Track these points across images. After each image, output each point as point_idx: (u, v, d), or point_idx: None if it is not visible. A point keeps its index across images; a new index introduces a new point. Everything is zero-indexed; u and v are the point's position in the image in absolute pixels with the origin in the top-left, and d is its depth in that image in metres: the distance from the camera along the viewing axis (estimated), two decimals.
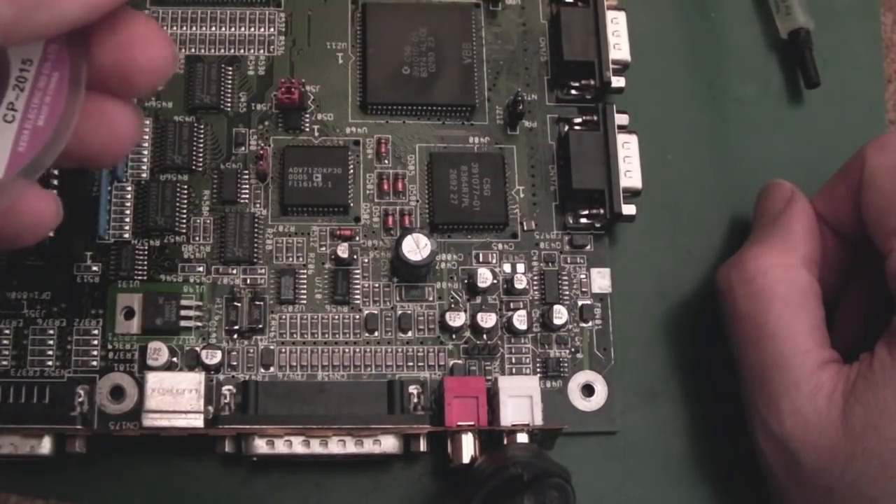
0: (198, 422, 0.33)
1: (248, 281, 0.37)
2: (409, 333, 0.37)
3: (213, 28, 0.39)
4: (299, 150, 0.38)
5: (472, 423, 0.34)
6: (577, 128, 0.39)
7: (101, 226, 0.37)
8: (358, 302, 0.37)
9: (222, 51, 0.39)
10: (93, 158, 0.27)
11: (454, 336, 0.37)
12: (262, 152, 0.38)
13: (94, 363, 0.35)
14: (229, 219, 0.37)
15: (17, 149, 0.25)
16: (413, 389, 0.36)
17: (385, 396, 0.35)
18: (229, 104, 0.39)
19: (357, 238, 0.37)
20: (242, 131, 0.39)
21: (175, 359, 0.35)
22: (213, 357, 0.35)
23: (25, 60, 0.25)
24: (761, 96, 0.42)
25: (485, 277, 0.37)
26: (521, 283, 0.37)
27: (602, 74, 0.38)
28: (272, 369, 0.36)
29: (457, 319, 0.37)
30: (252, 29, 0.40)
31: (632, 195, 0.37)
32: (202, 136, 0.38)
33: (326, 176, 0.38)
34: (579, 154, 0.38)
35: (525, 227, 0.38)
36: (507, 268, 0.38)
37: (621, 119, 0.38)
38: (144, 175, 0.37)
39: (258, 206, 0.38)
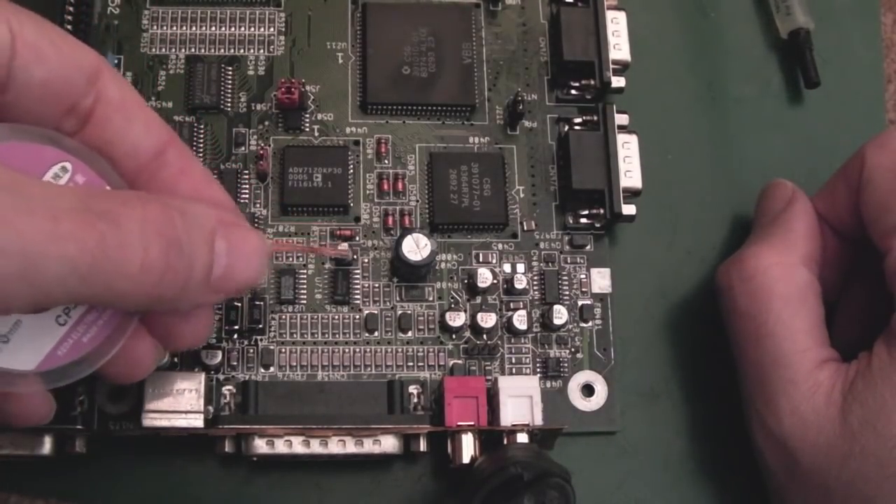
0: (198, 422, 0.33)
1: None
2: (409, 333, 0.37)
3: (213, 28, 0.40)
4: (299, 150, 0.38)
5: (472, 423, 0.34)
6: (577, 128, 0.39)
7: None
8: (358, 302, 0.37)
9: (222, 51, 0.39)
10: (104, 375, 0.28)
11: (454, 336, 0.37)
12: (262, 152, 0.38)
13: None
14: None
15: (55, 351, 0.26)
16: (413, 389, 0.36)
17: (385, 396, 0.35)
18: (229, 104, 0.39)
19: (357, 238, 0.37)
20: (242, 131, 0.39)
21: (175, 359, 0.35)
22: (213, 357, 0.35)
23: None
24: (761, 96, 0.42)
25: (485, 277, 0.37)
26: (521, 283, 0.37)
27: (602, 74, 0.38)
28: (272, 369, 0.36)
29: (457, 319, 0.37)
30: (252, 29, 0.40)
31: (632, 195, 0.37)
32: (202, 136, 0.38)
33: (326, 176, 0.38)
34: (579, 154, 0.38)
35: (525, 227, 0.38)
36: (507, 268, 0.38)
37: (621, 119, 0.38)
38: None
39: (258, 206, 0.38)
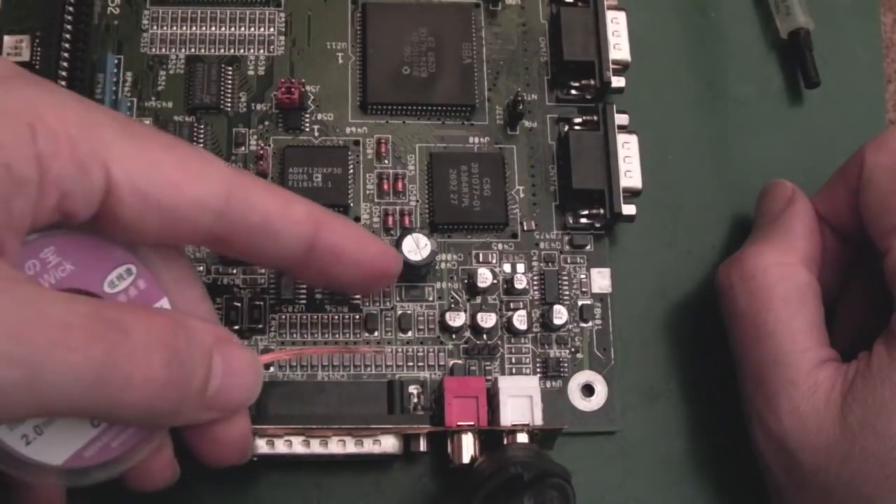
0: None
1: (248, 281, 0.37)
2: (409, 333, 0.37)
3: (213, 28, 0.40)
4: (299, 150, 0.38)
5: (472, 423, 0.34)
6: (577, 128, 0.39)
7: None
8: (358, 302, 0.37)
9: (222, 51, 0.39)
10: (121, 479, 0.28)
11: (454, 336, 0.37)
12: (261, 152, 0.38)
13: None
14: None
15: (83, 452, 0.26)
16: (413, 389, 0.36)
17: (385, 396, 0.35)
18: (229, 104, 0.39)
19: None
20: (242, 131, 0.39)
21: None
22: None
23: None
24: (761, 96, 0.42)
25: (485, 277, 0.37)
26: (521, 283, 0.37)
27: (602, 74, 0.38)
28: (272, 369, 0.36)
29: (457, 319, 0.37)
30: (252, 29, 0.40)
31: (632, 195, 0.37)
32: (202, 136, 0.38)
33: (326, 176, 0.38)
34: (579, 154, 0.38)
35: (525, 227, 0.38)
36: (507, 268, 0.38)
37: (621, 119, 0.38)
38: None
39: None
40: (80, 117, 0.25)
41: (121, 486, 0.28)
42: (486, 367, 0.37)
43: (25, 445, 0.25)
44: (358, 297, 0.37)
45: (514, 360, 0.37)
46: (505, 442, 0.34)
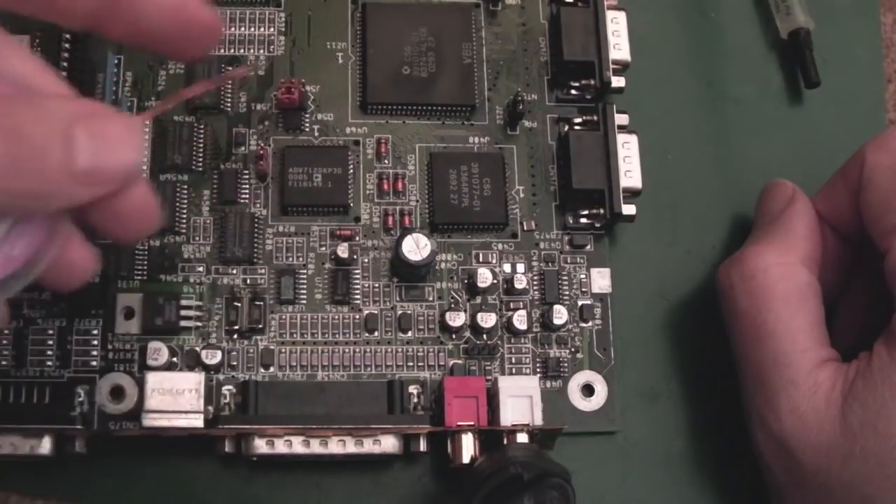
0: (198, 422, 0.33)
1: (248, 281, 0.37)
2: (409, 333, 0.37)
3: None
4: (299, 150, 0.38)
5: (472, 423, 0.34)
6: (577, 128, 0.39)
7: None
8: (358, 302, 0.37)
9: (222, 51, 0.39)
10: (44, 284, 0.28)
11: (454, 336, 0.37)
12: (262, 152, 0.38)
13: (94, 363, 0.35)
14: (229, 219, 0.37)
15: None
16: (413, 389, 0.36)
17: (385, 396, 0.35)
18: (229, 104, 0.39)
19: (357, 238, 0.37)
20: (242, 131, 0.39)
21: (175, 359, 0.35)
22: (213, 357, 0.35)
23: None
24: (761, 96, 0.42)
25: (485, 277, 0.37)
26: (521, 283, 0.37)
27: (602, 74, 0.38)
28: (272, 369, 0.36)
29: (457, 319, 0.37)
30: (252, 29, 0.40)
31: (632, 195, 0.37)
32: (202, 136, 0.38)
33: (326, 176, 0.38)
34: (579, 154, 0.38)
35: (525, 227, 0.38)
36: (507, 268, 0.38)
37: (621, 119, 0.38)
38: (144, 175, 0.37)
39: (258, 206, 0.38)
40: None
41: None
42: (486, 367, 0.37)
43: None
44: (357, 297, 0.37)
45: (514, 360, 0.37)
46: (505, 442, 0.34)
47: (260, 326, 0.36)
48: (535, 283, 0.38)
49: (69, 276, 0.29)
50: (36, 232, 0.26)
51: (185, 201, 0.37)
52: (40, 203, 0.25)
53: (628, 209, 0.37)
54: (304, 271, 0.37)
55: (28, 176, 0.24)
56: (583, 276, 0.38)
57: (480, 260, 0.38)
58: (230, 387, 0.35)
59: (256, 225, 0.37)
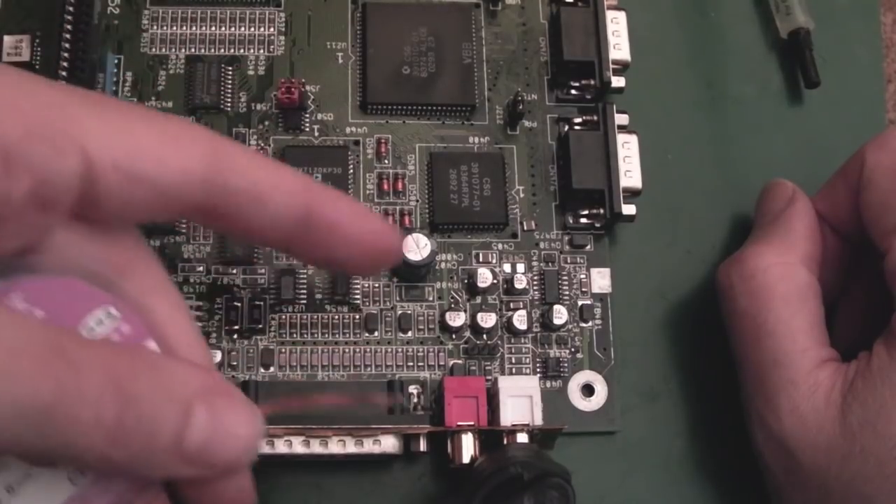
0: None
1: (248, 281, 0.37)
2: (409, 333, 0.37)
3: (213, 28, 0.40)
4: (299, 149, 0.38)
5: (472, 423, 0.34)
6: (577, 128, 0.39)
7: None
8: (358, 302, 0.37)
9: (222, 51, 0.39)
10: None
11: (454, 336, 0.37)
12: (262, 152, 0.38)
13: None
14: None
15: None
16: (413, 389, 0.36)
17: (385, 396, 0.35)
18: (229, 104, 0.39)
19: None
20: (242, 131, 0.39)
21: None
22: (212, 357, 0.35)
23: None
24: (761, 96, 0.42)
25: (485, 277, 0.37)
26: (521, 283, 0.37)
27: (602, 74, 0.38)
28: (272, 369, 0.36)
29: (457, 319, 0.37)
30: (252, 29, 0.40)
31: (632, 195, 0.37)
32: None
33: (326, 176, 0.38)
34: (579, 154, 0.38)
35: (525, 227, 0.38)
36: (507, 268, 0.38)
37: (621, 119, 0.38)
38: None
39: None
40: (50, 96, 0.23)
41: None
42: (486, 367, 0.37)
43: None
44: (357, 297, 0.37)
45: (514, 360, 0.37)
46: (505, 442, 0.34)
47: (260, 326, 0.36)
48: (535, 283, 0.38)
49: None
50: (123, 490, 0.24)
51: None
52: (142, 471, 0.23)
53: (628, 209, 0.37)
54: (304, 271, 0.37)
55: (133, 445, 0.22)
56: (583, 276, 0.38)
57: (480, 260, 0.38)
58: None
59: None
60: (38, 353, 0.21)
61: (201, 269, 0.37)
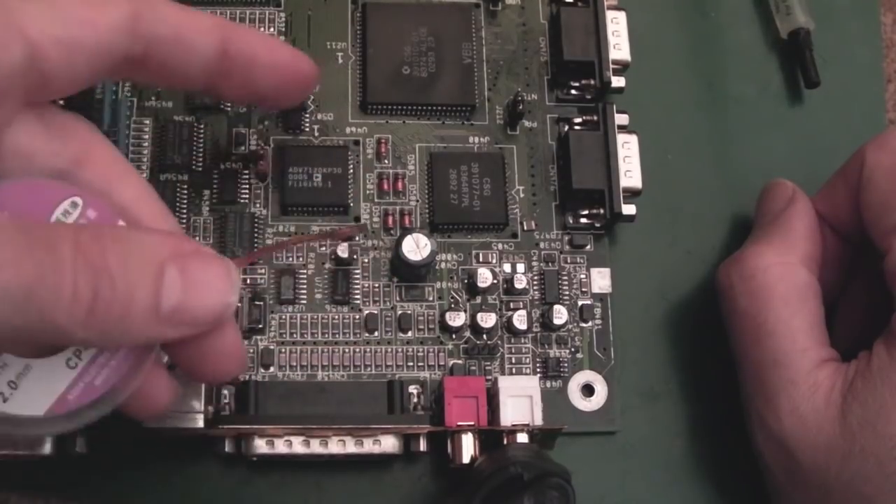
0: (198, 422, 0.33)
1: (248, 281, 0.37)
2: (409, 333, 0.37)
3: None
4: (299, 149, 0.38)
5: (472, 423, 0.34)
6: (577, 128, 0.39)
7: None
8: (358, 302, 0.37)
9: None
10: (120, 412, 0.27)
11: (454, 336, 0.37)
12: (262, 152, 0.38)
13: None
14: (229, 219, 0.37)
15: (66, 396, 0.25)
16: (413, 389, 0.36)
17: (385, 396, 0.35)
18: (229, 104, 0.39)
19: (357, 238, 0.37)
20: (242, 131, 0.39)
21: None
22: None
23: None
24: (761, 96, 0.42)
25: (485, 277, 0.37)
26: (521, 283, 0.37)
27: (602, 74, 0.38)
28: (272, 369, 0.36)
29: (457, 319, 0.37)
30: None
31: (632, 195, 0.37)
32: (202, 136, 0.38)
33: (326, 176, 0.38)
34: (579, 154, 0.38)
35: (525, 227, 0.38)
36: (507, 268, 0.38)
37: (621, 119, 0.38)
38: (144, 175, 0.37)
39: (258, 206, 0.38)
40: None
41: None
42: (486, 367, 0.37)
43: (3, 403, 0.25)
44: (357, 297, 0.37)
45: (514, 360, 0.37)
46: (505, 442, 0.34)
47: (260, 326, 0.36)
48: (535, 283, 0.38)
49: (145, 407, 0.28)
50: (121, 363, 0.26)
51: (185, 201, 0.37)
52: (124, 339, 0.25)
53: (628, 209, 0.37)
54: (304, 271, 0.37)
55: (111, 315, 0.23)
56: (583, 276, 0.38)
57: (480, 260, 0.38)
58: (230, 387, 0.35)
59: (256, 225, 0.37)
60: (15, 241, 0.22)
61: None
